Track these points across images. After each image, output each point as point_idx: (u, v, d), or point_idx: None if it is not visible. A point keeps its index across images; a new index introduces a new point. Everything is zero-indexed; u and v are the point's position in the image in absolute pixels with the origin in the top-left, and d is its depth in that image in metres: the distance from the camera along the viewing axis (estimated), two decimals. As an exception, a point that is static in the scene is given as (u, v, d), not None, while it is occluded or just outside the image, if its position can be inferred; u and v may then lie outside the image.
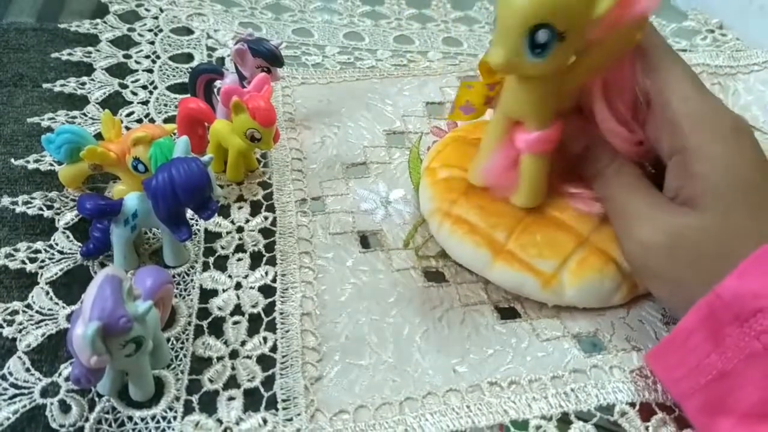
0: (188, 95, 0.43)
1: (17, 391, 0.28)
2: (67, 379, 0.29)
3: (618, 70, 0.30)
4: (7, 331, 0.30)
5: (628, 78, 0.31)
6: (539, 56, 0.27)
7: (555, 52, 0.27)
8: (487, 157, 0.34)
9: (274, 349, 0.31)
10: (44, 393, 0.28)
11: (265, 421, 0.28)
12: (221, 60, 0.51)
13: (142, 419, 0.28)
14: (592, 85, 0.31)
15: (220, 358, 0.31)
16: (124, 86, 0.46)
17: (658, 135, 0.31)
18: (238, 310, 0.33)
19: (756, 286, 0.26)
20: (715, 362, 0.26)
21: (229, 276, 0.35)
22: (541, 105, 0.31)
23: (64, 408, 0.28)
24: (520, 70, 0.29)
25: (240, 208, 0.39)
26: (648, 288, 0.32)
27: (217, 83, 0.43)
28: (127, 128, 0.42)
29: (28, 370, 0.29)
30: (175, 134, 0.39)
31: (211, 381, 0.30)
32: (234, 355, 0.31)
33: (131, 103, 0.45)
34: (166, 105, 0.46)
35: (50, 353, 0.30)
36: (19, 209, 0.36)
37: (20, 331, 0.30)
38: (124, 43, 0.51)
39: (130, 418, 0.28)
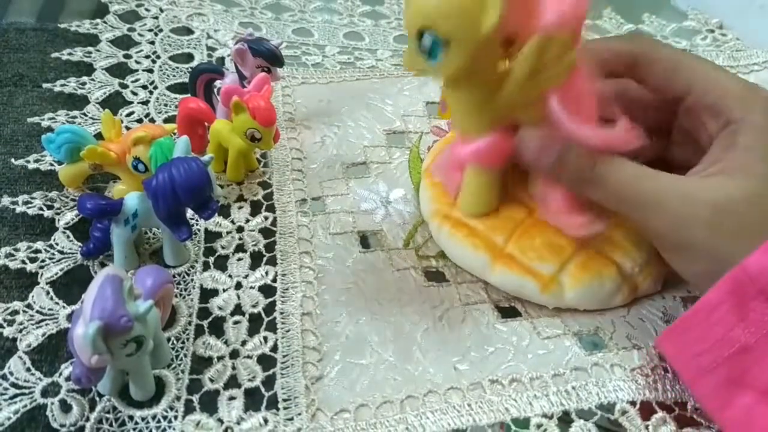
0: (188, 95, 0.43)
1: (18, 391, 0.28)
2: (67, 379, 0.29)
3: (570, 85, 0.29)
4: (8, 331, 0.30)
5: (585, 90, 0.30)
6: (432, 59, 0.28)
7: (447, 57, 0.28)
8: (441, 155, 0.35)
9: (274, 348, 0.31)
10: (45, 393, 0.28)
11: (266, 421, 0.28)
12: (221, 60, 0.51)
13: (143, 419, 0.28)
14: (549, 103, 0.29)
15: (220, 358, 0.31)
16: (124, 86, 0.46)
17: (700, 124, 0.31)
18: (238, 309, 0.33)
19: None
20: (738, 336, 0.26)
21: (230, 276, 0.35)
22: (469, 116, 0.32)
23: (65, 408, 0.28)
24: (426, 72, 0.30)
25: (240, 208, 0.39)
26: (680, 267, 0.31)
27: (217, 83, 0.43)
28: (128, 128, 0.42)
29: (28, 369, 0.29)
30: (175, 134, 0.39)
31: (211, 380, 0.30)
32: (234, 354, 0.31)
33: (131, 102, 0.45)
34: (166, 105, 0.46)
35: (51, 353, 0.30)
36: (19, 209, 0.36)
37: (21, 331, 0.30)
38: (124, 43, 0.51)
39: (131, 418, 0.28)
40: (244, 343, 0.31)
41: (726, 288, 0.27)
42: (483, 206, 0.34)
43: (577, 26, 0.28)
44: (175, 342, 0.31)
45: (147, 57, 0.50)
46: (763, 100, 0.30)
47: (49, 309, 0.32)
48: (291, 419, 0.28)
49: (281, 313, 0.33)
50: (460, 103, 0.32)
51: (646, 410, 0.30)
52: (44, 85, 0.45)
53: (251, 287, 0.34)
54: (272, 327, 0.32)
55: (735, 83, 0.31)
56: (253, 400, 0.29)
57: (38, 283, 0.33)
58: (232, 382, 0.30)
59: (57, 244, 0.35)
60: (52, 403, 0.28)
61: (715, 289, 0.27)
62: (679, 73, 0.32)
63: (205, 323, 0.32)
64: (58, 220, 0.36)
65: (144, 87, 0.47)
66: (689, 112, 0.32)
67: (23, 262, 0.33)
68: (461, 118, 0.33)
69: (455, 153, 0.33)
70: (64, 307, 0.32)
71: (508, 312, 0.34)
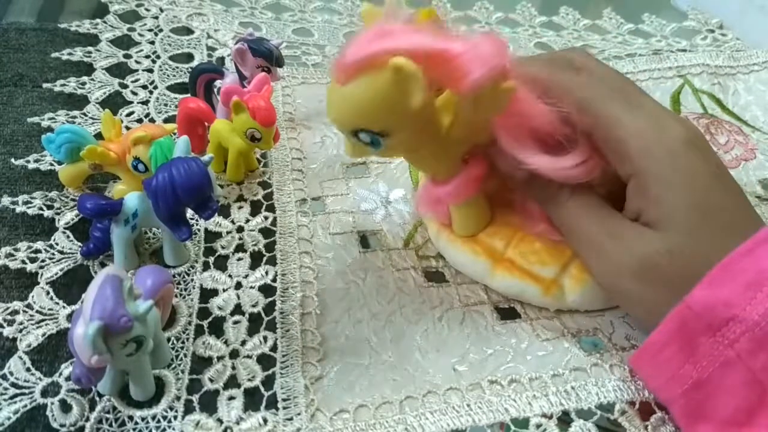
0: (188, 95, 0.43)
1: (18, 391, 0.28)
2: (67, 379, 0.29)
3: (515, 109, 0.29)
4: (8, 331, 0.30)
5: (533, 110, 0.29)
6: (375, 147, 0.28)
7: (390, 142, 0.27)
8: (420, 185, 0.36)
9: (274, 348, 0.31)
10: (45, 393, 0.28)
11: (265, 421, 0.28)
12: (221, 60, 0.51)
13: (143, 419, 0.28)
14: (497, 134, 0.29)
15: (220, 358, 0.31)
16: (124, 86, 0.47)
17: (612, 163, 0.30)
18: (238, 309, 0.33)
19: (726, 295, 0.25)
20: (689, 372, 0.26)
21: (230, 276, 0.35)
22: (430, 166, 0.32)
23: (65, 408, 0.28)
24: (375, 155, 0.29)
25: (240, 207, 0.39)
26: (624, 308, 0.33)
27: (217, 83, 0.43)
28: (127, 128, 0.42)
29: (28, 369, 0.29)
30: (175, 134, 0.39)
31: (211, 380, 0.30)
32: (234, 354, 0.31)
33: (131, 102, 0.45)
34: (166, 105, 0.46)
35: (51, 353, 0.30)
36: (19, 209, 0.36)
37: (21, 331, 0.30)
38: (124, 42, 0.51)
39: (131, 418, 0.28)
40: (243, 342, 0.31)
41: (672, 326, 0.27)
42: (476, 228, 0.34)
43: (503, 69, 0.27)
44: (175, 342, 0.31)
45: (147, 57, 0.50)
46: (665, 145, 0.28)
47: (49, 309, 0.32)
48: (290, 419, 0.28)
49: (281, 313, 0.33)
50: (418, 160, 0.32)
51: (646, 410, 0.30)
52: (44, 85, 0.45)
53: (251, 287, 0.34)
54: (272, 327, 0.32)
55: (637, 126, 0.29)
56: (252, 400, 0.29)
57: (38, 283, 0.33)
58: (232, 382, 0.30)
59: (57, 244, 0.35)
60: (52, 403, 0.28)
61: (661, 328, 0.27)
62: (585, 113, 0.29)
63: (205, 323, 0.32)
64: (58, 220, 0.36)
65: (144, 87, 0.47)
66: (601, 147, 0.30)
67: (23, 262, 0.33)
68: (425, 169, 0.33)
69: (432, 193, 0.33)
70: (64, 307, 0.32)
71: (507, 313, 0.34)
